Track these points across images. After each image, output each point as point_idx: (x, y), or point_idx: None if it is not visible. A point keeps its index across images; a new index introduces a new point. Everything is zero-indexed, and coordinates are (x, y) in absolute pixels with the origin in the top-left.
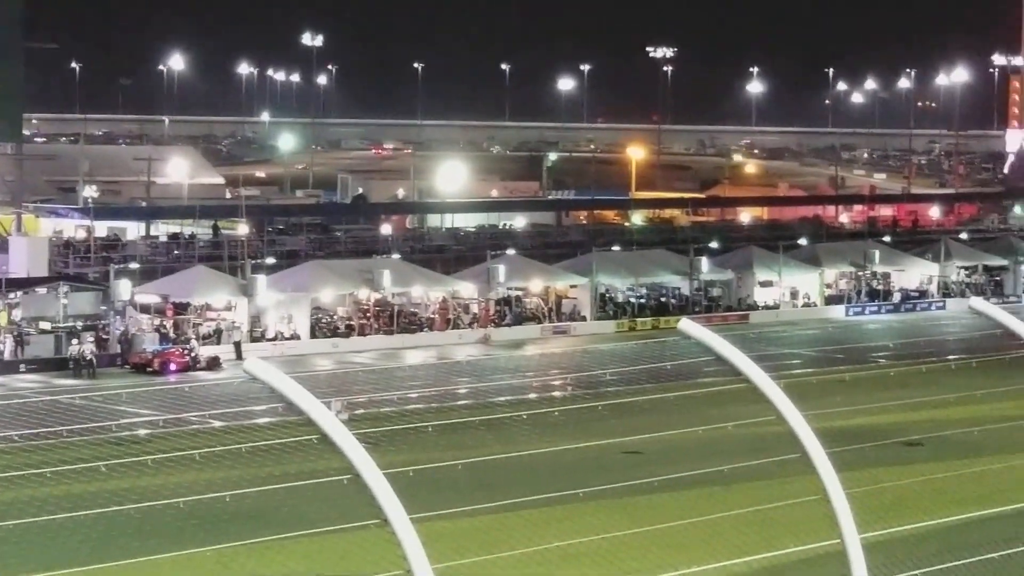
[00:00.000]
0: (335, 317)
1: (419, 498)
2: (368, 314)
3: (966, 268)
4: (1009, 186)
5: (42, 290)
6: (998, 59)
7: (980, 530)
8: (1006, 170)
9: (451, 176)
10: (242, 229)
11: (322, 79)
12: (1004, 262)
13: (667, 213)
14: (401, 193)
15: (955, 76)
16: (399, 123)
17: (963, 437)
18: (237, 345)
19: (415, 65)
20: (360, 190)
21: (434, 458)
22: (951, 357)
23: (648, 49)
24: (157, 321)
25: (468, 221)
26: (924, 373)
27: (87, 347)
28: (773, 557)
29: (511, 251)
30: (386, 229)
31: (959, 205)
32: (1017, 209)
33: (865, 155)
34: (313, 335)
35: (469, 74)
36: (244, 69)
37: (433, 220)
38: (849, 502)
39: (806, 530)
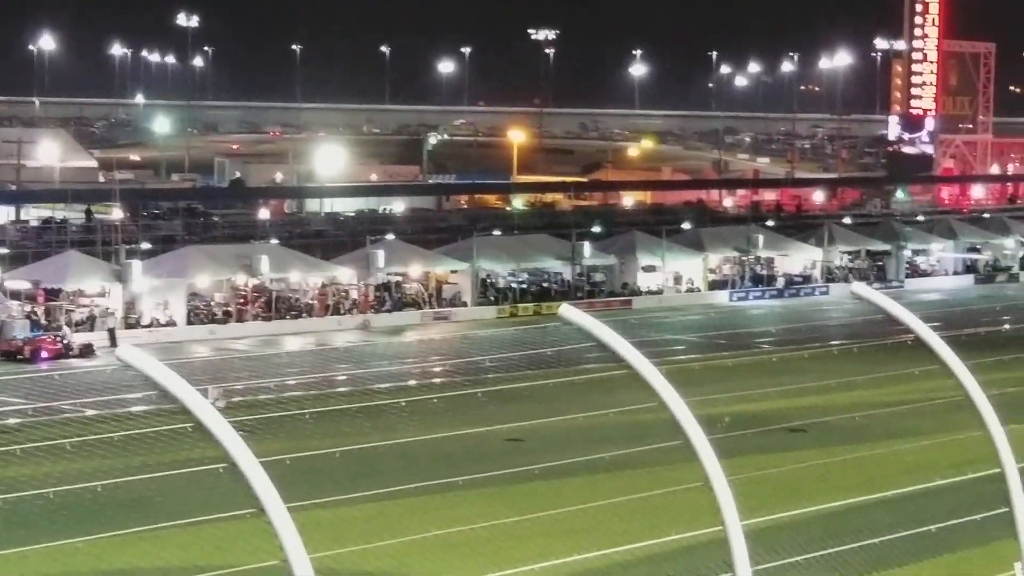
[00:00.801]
0: (212, 303)
1: (296, 487)
2: (246, 300)
3: (849, 253)
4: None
5: None
6: (880, 43)
7: (861, 516)
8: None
9: (330, 160)
10: (116, 213)
11: (198, 61)
12: (887, 247)
13: (549, 197)
14: (279, 177)
15: (838, 60)
16: (277, 106)
17: (845, 423)
18: (111, 332)
19: (293, 47)
20: (237, 174)
21: (312, 446)
22: (834, 343)
23: (530, 31)
24: (28, 307)
25: (347, 206)
26: (807, 359)
27: None
28: (656, 544)
29: (391, 236)
30: (264, 214)
31: (842, 190)
32: (899, 194)
33: (748, 139)
34: (189, 321)
35: (348, 56)
36: (117, 50)
37: (312, 205)
38: (731, 489)
39: (689, 517)
